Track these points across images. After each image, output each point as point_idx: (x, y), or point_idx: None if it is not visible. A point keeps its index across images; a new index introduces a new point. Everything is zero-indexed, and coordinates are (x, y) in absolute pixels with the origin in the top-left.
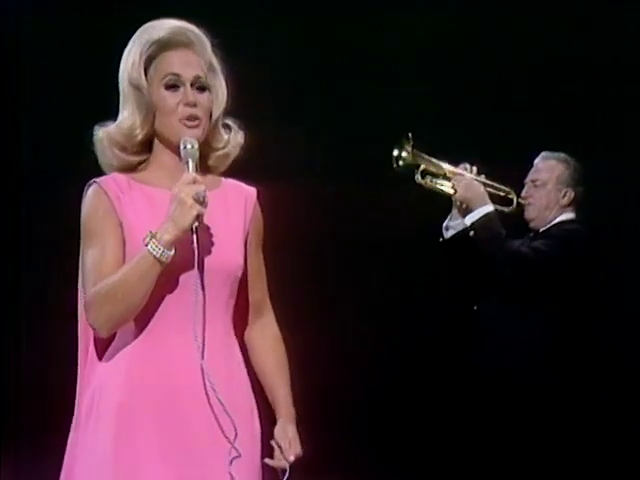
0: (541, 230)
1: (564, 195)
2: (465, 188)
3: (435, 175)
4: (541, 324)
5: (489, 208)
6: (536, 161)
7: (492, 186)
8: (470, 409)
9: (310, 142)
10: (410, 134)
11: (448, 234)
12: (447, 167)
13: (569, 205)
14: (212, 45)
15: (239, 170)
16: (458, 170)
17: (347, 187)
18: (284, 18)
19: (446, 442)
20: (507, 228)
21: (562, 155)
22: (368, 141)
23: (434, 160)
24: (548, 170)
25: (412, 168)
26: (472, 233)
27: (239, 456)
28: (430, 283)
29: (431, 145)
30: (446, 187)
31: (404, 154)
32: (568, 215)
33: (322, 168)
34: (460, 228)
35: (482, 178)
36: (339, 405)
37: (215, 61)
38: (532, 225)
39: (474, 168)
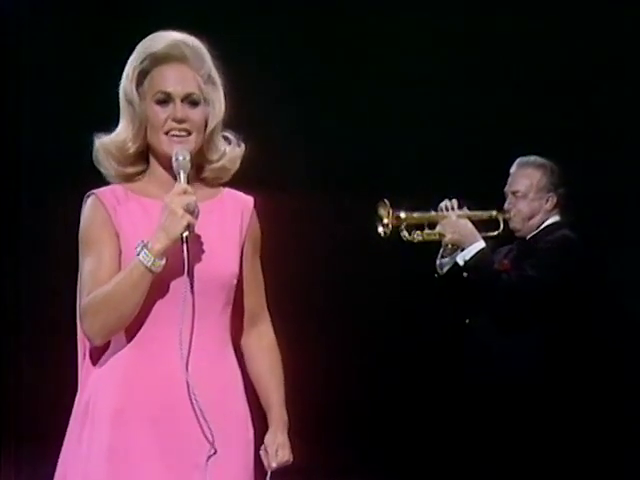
0: (528, 237)
1: (547, 201)
2: (453, 230)
3: (420, 227)
4: (535, 335)
5: (480, 245)
6: (512, 170)
7: (475, 215)
8: (466, 421)
9: (309, 151)
10: (386, 200)
11: (443, 270)
12: (429, 215)
13: (553, 209)
14: (212, 57)
15: (238, 179)
16: (440, 213)
17: (346, 196)
18: (284, 28)
19: (442, 453)
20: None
21: (538, 160)
22: (367, 150)
23: (415, 214)
24: (526, 179)
25: (397, 229)
26: (465, 274)
27: (215, 453)
28: (427, 294)
29: (431, 149)
30: (434, 234)
31: (385, 221)
32: (554, 219)
33: (321, 177)
34: (453, 262)
35: (465, 211)
36: (336, 414)
37: (214, 73)
38: (519, 235)
39: (454, 202)
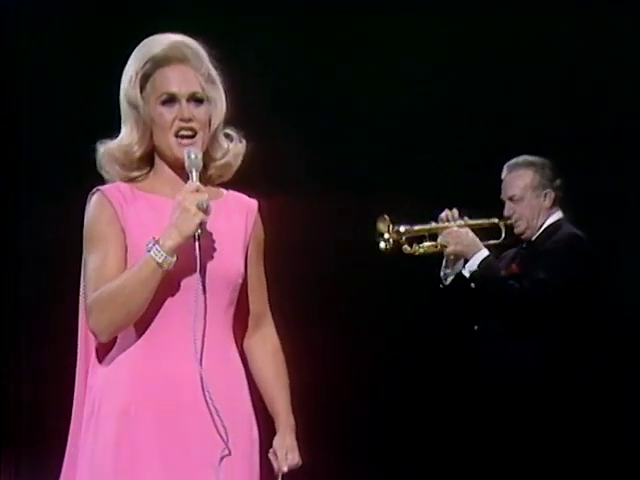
0: (533, 238)
1: (544, 198)
2: (455, 241)
3: (420, 239)
4: (543, 342)
5: (484, 253)
6: (503, 175)
7: (477, 224)
8: (472, 427)
9: (310, 152)
10: (385, 215)
11: (447, 281)
12: (429, 227)
13: (553, 205)
14: (211, 57)
15: (239, 180)
16: (441, 224)
17: (347, 197)
18: (285, 29)
19: (450, 459)
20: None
21: (527, 159)
22: (368, 151)
23: (415, 227)
24: (519, 181)
25: (398, 243)
26: (473, 285)
27: (229, 454)
28: (432, 295)
29: (431, 151)
30: (436, 246)
31: (386, 236)
32: (556, 216)
33: (322, 178)
34: (457, 271)
35: (465, 220)
36: (339, 416)
37: (214, 73)
38: (524, 237)
39: (455, 211)
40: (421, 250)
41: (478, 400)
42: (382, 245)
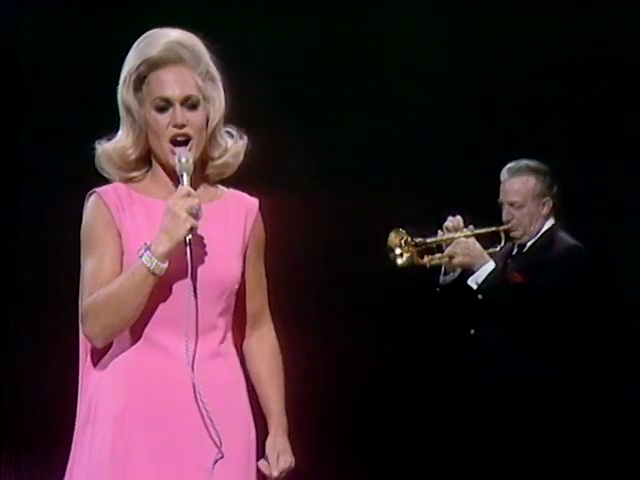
0: (529, 244)
1: (543, 206)
2: (463, 252)
3: (430, 250)
4: (540, 344)
5: (491, 266)
6: (503, 178)
7: (481, 233)
8: (471, 428)
9: (310, 149)
10: (401, 229)
11: (446, 286)
12: (439, 238)
13: (550, 212)
14: (211, 52)
15: (239, 179)
16: (448, 235)
17: (348, 195)
18: (284, 25)
19: (445, 460)
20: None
21: (529, 165)
22: (368, 149)
23: (428, 240)
24: (521, 188)
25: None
26: (481, 297)
27: (222, 457)
28: (431, 295)
29: (432, 151)
30: (445, 257)
31: (399, 250)
32: (550, 222)
33: (322, 176)
34: (455, 277)
35: (471, 229)
36: (335, 418)
37: (213, 70)
38: (519, 242)
39: (459, 219)
40: (431, 262)
41: (475, 402)
42: (399, 261)
